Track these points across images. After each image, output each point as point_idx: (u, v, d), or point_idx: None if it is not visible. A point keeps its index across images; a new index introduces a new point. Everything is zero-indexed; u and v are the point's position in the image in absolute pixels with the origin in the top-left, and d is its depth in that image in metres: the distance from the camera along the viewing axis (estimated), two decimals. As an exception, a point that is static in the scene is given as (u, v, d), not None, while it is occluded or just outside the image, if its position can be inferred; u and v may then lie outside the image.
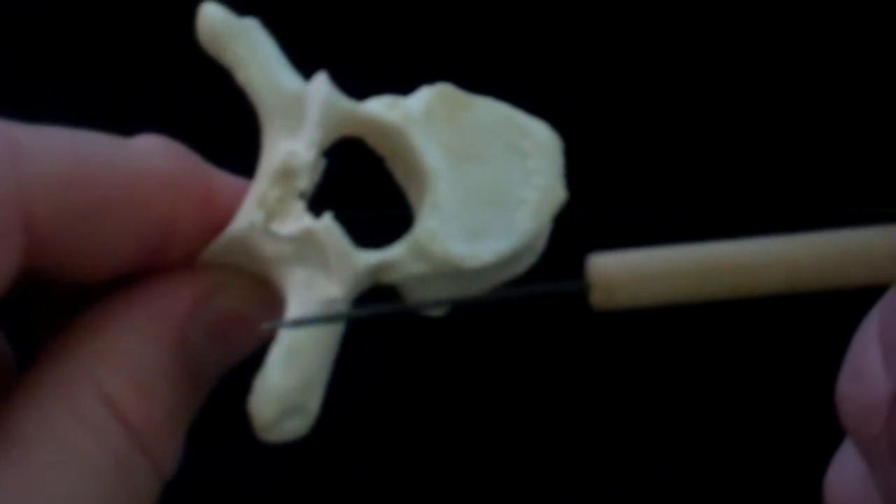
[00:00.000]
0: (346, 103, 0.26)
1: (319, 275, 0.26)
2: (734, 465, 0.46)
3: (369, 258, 0.26)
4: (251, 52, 0.26)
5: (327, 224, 0.26)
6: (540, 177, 0.27)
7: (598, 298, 0.25)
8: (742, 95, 0.45)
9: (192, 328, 0.25)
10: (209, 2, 0.26)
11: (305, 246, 0.26)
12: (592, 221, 0.42)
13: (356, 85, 0.27)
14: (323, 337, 0.25)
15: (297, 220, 0.26)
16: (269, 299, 0.26)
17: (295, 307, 0.25)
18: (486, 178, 0.26)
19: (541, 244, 0.27)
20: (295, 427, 0.25)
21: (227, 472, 0.47)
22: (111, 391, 0.24)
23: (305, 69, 0.26)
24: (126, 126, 0.26)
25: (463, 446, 0.47)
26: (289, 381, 0.25)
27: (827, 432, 0.30)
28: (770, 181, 0.45)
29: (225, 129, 0.38)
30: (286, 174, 0.26)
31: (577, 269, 0.25)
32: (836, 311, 0.30)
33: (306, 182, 0.26)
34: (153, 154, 0.25)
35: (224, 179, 0.26)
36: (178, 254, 0.26)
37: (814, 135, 0.45)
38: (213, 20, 0.26)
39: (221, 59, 0.26)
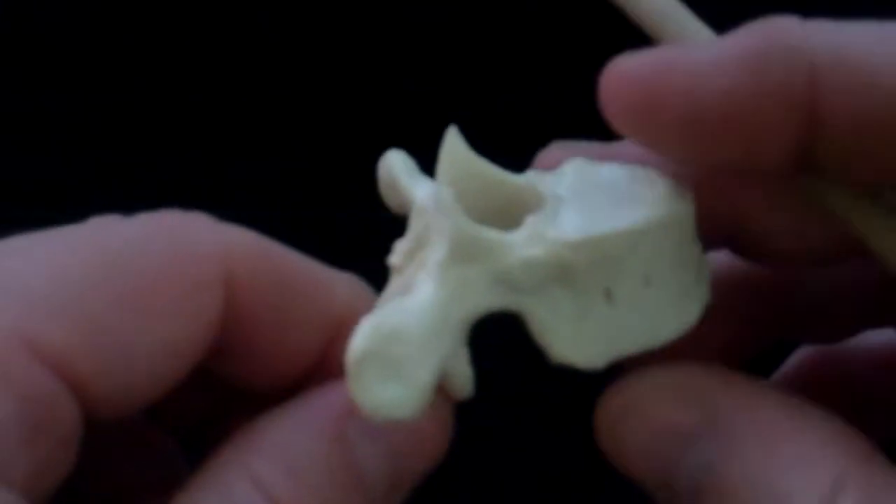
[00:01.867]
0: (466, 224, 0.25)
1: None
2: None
3: (486, 231, 0.24)
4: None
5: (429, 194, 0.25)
6: (664, 186, 0.25)
7: None
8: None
9: (350, 424, 0.24)
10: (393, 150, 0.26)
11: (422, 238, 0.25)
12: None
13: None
14: (449, 311, 0.24)
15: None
16: (443, 408, 0.25)
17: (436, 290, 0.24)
18: (608, 197, 0.25)
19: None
20: (393, 396, 0.23)
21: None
22: (263, 477, 0.23)
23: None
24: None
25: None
26: (393, 319, 0.23)
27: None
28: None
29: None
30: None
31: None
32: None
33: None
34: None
35: None
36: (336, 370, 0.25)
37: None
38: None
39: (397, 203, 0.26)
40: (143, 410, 0.25)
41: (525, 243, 0.24)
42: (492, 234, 0.24)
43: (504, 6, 0.45)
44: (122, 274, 0.24)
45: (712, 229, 0.26)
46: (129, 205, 0.40)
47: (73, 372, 0.23)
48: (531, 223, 0.25)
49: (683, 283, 0.25)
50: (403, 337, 0.23)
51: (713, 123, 0.24)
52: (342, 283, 0.26)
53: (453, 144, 0.25)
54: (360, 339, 0.23)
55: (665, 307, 0.25)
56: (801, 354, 0.30)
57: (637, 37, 0.26)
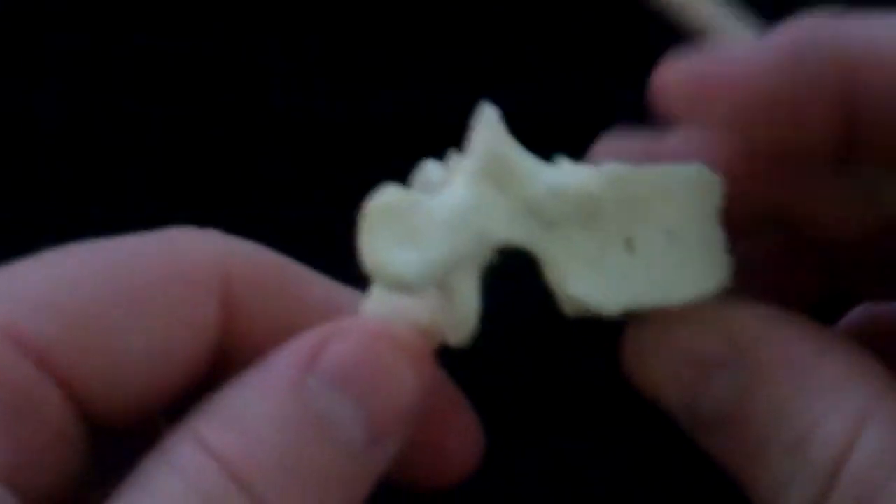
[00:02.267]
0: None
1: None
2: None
3: (521, 157, 0.25)
4: None
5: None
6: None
7: None
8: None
9: (310, 376, 0.23)
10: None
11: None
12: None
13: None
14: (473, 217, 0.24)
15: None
16: (412, 346, 0.25)
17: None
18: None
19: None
20: (403, 258, 0.23)
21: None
22: (208, 436, 0.23)
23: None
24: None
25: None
26: (419, 197, 0.23)
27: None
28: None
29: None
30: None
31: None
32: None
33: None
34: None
35: None
36: None
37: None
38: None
39: None
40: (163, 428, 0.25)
41: (556, 174, 0.25)
42: (526, 161, 0.24)
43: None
44: (114, 277, 0.24)
45: (757, 215, 0.27)
46: (127, 205, 0.40)
47: (57, 365, 0.23)
48: (564, 162, 0.25)
49: (706, 254, 0.26)
50: (425, 212, 0.23)
51: (758, 111, 0.25)
52: (346, 299, 0.26)
53: (489, 118, 0.25)
54: (383, 194, 0.23)
55: (684, 269, 0.25)
56: (860, 311, 0.30)
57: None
